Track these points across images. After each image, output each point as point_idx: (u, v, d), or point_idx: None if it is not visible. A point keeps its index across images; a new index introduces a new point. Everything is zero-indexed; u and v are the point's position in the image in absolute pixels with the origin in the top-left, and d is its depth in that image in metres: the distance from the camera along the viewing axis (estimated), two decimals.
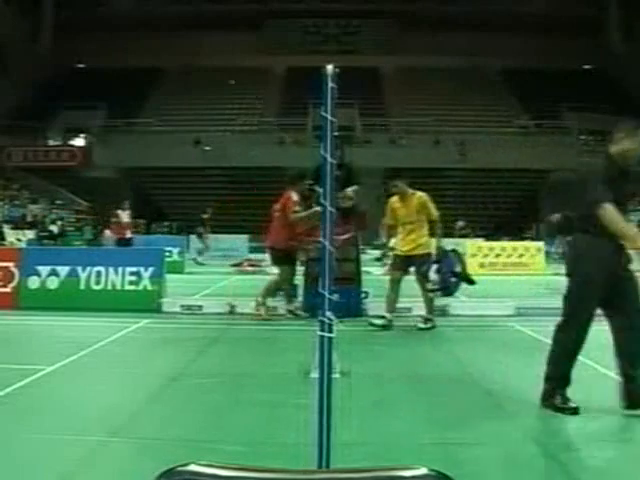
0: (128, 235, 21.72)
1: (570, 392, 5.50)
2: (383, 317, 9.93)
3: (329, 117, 3.54)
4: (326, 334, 3.40)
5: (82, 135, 45.43)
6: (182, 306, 11.60)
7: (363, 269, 11.77)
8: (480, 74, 48.06)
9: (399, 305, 10.45)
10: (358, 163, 13.84)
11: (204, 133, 43.03)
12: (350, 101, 37.00)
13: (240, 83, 47.46)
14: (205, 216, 26.61)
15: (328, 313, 3.42)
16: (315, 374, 3.48)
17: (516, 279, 19.05)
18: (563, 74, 44.87)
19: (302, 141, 40.28)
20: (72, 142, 45.52)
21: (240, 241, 28.43)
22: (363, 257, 12.22)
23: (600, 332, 5.58)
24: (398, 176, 10.63)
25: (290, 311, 10.92)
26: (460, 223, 31.12)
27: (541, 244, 23.21)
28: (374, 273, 17.18)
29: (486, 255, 22.14)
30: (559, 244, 22.51)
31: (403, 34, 50.49)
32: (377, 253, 27.26)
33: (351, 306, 10.50)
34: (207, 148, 41.87)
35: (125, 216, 22.00)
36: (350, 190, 10.82)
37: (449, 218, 35.87)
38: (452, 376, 6.86)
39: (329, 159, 3.52)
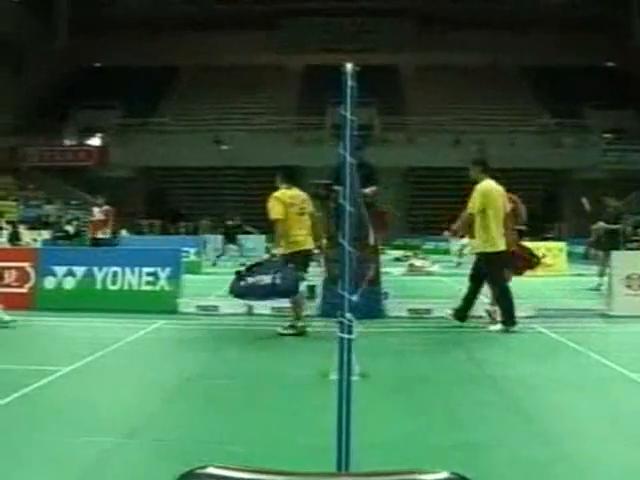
0: (99, 235, 19.82)
1: (592, 396, 5.44)
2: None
3: (348, 116, 3.52)
4: (346, 335, 3.38)
5: (98, 134, 45.70)
6: (198, 307, 11.62)
7: (383, 270, 11.72)
8: (500, 72, 47.88)
9: (419, 306, 10.39)
10: (376, 162, 13.78)
11: (221, 132, 43.16)
12: (368, 100, 36.95)
13: (257, 82, 47.53)
14: (230, 223, 26.14)
15: (348, 314, 3.40)
16: (334, 376, 3.46)
17: (538, 280, 18.92)
18: (584, 71, 44.62)
19: (320, 140, 40.29)
20: (88, 142, 45.77)
21: (258, 241, 28.44)
22: (383, 257, 12.17)
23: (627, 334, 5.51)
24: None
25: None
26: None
27: (563, 244, 23.02)
28: (394, 274, 17.14)
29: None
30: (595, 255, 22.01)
31: (421, 32, 50.42)
32: (398, 254, 27.24)
33: (370, 307, 10.45)
34: (224, 147, 41.97)
35: (98, 214, 20.23)
36: (368, 190, 10.78)
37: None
38: (472, 378, 6.81)
39: (349, 158, 3.50)
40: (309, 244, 9.81)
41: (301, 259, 9.63)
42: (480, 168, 10.31)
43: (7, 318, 9.56)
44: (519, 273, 10.66)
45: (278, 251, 9.51)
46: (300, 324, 9.58)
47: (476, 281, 10.21)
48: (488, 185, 10.10)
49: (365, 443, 4.18)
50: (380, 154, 30.19)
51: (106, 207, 20.43)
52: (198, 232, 35.46)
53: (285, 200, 9.71)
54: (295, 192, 9.94)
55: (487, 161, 10.64)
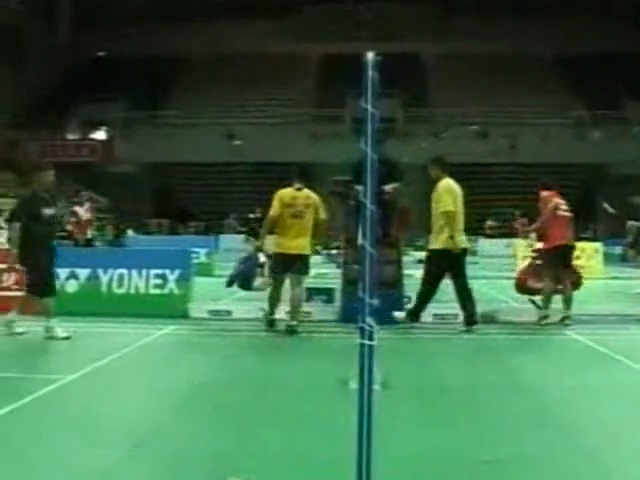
0: (89, 235, 19.71)
1: (631, 407, 5.41)
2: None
3: (370, 108, 3.51)
4: (366, 342, 3.38)
5: (102, 128, 45.84)
6: (210, 311, 11.64)
7: (405, 272, 11.72)
8: (530, 60, 47.64)
9: (445, 311, 10.38)
10: (398, 157, 13.81)
11: (233, 126, 43.21)
12: (391, 90, 36.88)
13: (271, 73, 47.56)
14: (252, 216, 26.20)
15: (368, 319, 3.40)
16: (354, 385, 3.46)
17: None
18: (622, 59, 44.24)
19: (338, 134, 40.28)
20: (92, 136, 45.95)
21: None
22: (405, 259, 12.17)
23: None
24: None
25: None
26: (489, 222, 30.88)
27: (599, 245, 22.86)
28: (417, 276, 17.11)
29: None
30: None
31: (445, 18, 50.24)
32: (421, 255, 27.13)
33: (392, 312, 10.43)
34: (236, 142, 42.04)
35: (84, 212, 19.98)
36: (390, 187, 10.78)
37: (504, 217, 35.85)
38: (502, 388, 6.79)
39: (370, 154, 3.49)
40: (294, 249, 10.19)
41: (282, 261, 10.21)
42: (439, 167, 10.82)
43: (62, 334, 9.31)
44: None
45: (264, 246, 10.71)
46: (293, 323, 10.09)
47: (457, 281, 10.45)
48: (452, 184, 10.64)
49: (388, 457, 4.18)
50: (402, 148, 30.20)
51: (89, 204, 20.28)
52: (209, 232, 35.48)
53: (284, 199, 10.23)
54: (301, 193, 10.32)
55: (445, 159, 11.35)
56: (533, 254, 11.77)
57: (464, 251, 10.48)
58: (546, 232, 11.15)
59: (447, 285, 10.44)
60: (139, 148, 42.55)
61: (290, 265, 10.24)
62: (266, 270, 10.54)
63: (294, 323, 10.11)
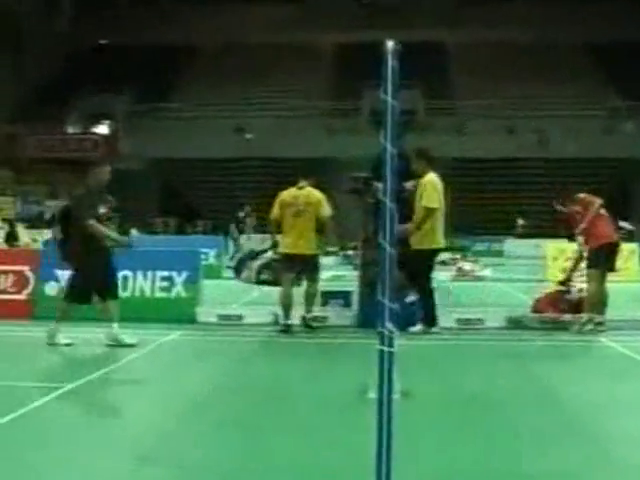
0: None
1: None
2: None
3: (390, 100, 3.51)
4: (386, 348, 3.38)
5: (106, 122, 45.99)
6: (219, 316, 11.64)
7: None
8: (561, 49, 47.44)
9: (468, 315, 10.36)
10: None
11: (244, 119, 43.22)
12: (411, 81, 36.81)
13: (285, 62, 47.58)
14: (241, 214, 26.76)
15: (388, 324, 3.40)
16: (373, 394, 3.47)
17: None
18: None
19: (355, 128, 40.26)
20: (94, 130, 46.10)
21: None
22: None
23: None
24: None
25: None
26: (521, 221, 30.82)
27: (635, 245, 22.68)
28: (440, 279, 17.07)
29: (569, 259, 21.73)
30: None
31: (469, 3, 50.07)
32: (444, 256, 27.09)
33: (413, 316, 10.43)
34: (248, 136, 42.09)
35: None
36: (410, 184, 10.78)
37: (533, 215, 35.71)
38: (532, 398, 6.77)
39: (389, 148, 3.49)
40: (299, 248, 10.66)
41: (285, 262, 10.90)
42: (425, 161, 10.80)
43: (128, 340, 9.37)
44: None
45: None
46: (307, 315, 10.78)
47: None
48: (436, 178, 10.65)
49: (411, 473, 4.18)
50: (423, 142, 30.13)
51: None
52: (218, 232, 35.53)
53: (285, 200, 10.80)
54: (302, 192, 10.80)
55: (431, 151, 11.20)
56: (582, 255, 11.61)
57: (438, 251, 10.82)
58: (590, 232, 11.12)
59: (465, 287, 10.41)
60: (144, 143, 42.63)
61: (296, 265, 10.76)
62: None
63: (308, 316, 10.71)
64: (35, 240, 27.99)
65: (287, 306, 10.66)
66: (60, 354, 9.06)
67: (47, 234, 29.88)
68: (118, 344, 9.24)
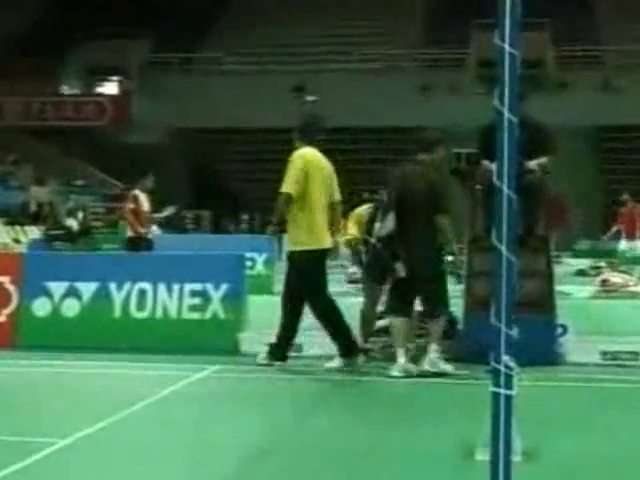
0: (149, 234, 19.51)
1: None
2: None
3: (507, 47, 3.52)
4: (502, 391, 3.38)
5: (115, 78, 46.28)
6: (269, 345, 11.71)
7: (558, 288, 11.65)
8: None
9: (619, 347, 10.30)
10: (549, 119, 13.70)
11: (303, 75, 43.24)
12: (538, 20, 36.55)
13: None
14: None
15: (505, 358, 3.41)
16: (484, 455, 3.47)
17: None
18: None
19: (458, 86, 40.17)
20: (99, 89, 46.44)
21: None
22: (558, 270, 12.12)
23: None
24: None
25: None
26: (625, 196, 30.46)
27: None
28: (577, 295, 16.96)
29: None
30: None
31: None
32: (583, 263, 26.96)
33: (539, 347, 10.38)
34: (310, 99, 42.15)
35: (146, 201, 19.64)
36: (535, 163, 10.73)
37: None
38: None
39: (507, 114, 3.50)
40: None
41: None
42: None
43: (447, 367, 9.95)
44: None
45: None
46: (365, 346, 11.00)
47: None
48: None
49: None
50: (555, 106, 29.97)
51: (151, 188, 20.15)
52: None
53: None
54: None
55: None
56: None
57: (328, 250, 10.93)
58: None
59: (614, 307, 10.32)
60: (166, 107, 42.79)
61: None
62: None
63: (367, 346, 10.95)
64: (17, 241, 28.20)
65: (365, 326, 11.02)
66: (51, 397, 9.14)
67: (34, 232, 30.09)
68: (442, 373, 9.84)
